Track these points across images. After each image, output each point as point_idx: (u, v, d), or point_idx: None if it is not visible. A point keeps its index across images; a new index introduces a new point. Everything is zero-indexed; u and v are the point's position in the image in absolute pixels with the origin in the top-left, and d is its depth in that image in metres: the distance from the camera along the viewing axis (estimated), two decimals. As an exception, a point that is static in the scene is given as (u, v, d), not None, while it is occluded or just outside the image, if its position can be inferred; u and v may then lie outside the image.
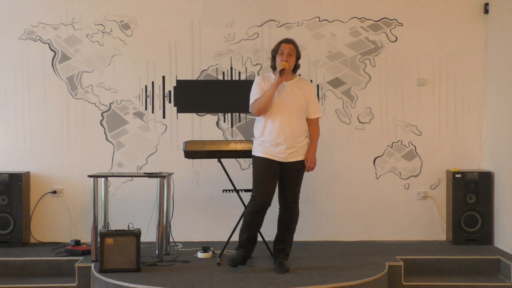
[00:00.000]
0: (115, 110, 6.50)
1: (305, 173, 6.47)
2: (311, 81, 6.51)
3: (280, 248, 5.29)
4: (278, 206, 5.30)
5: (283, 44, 5.26)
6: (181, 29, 6.51)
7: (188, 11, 6.51)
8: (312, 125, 5.32)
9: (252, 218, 5.19)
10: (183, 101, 6.52)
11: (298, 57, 5.30)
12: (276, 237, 5.34)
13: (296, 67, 5.31)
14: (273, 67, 5.32)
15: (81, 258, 5.64)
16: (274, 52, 5.30)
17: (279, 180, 5.24)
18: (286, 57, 5.19)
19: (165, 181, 5.71)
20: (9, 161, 6.45)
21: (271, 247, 5.52)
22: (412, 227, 6.58)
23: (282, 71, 5.13)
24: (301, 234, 6.51)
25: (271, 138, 5.15)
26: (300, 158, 5.23)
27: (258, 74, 6.42)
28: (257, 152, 5.24)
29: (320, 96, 6.54)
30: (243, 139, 6.43)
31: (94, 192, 5.61)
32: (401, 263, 5.52)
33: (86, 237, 6.10)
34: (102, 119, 6.51)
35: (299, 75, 5.48)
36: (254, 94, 5.25)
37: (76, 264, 5.44)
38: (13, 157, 6.45)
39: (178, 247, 6.12)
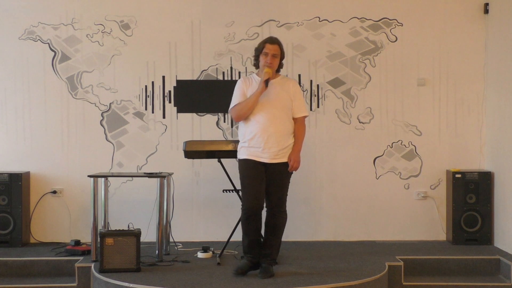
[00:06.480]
0: (115, 110, 6.50)
1: (305, 173, 6.52)
2: (311, 81, 6.53)
3: (267, 252, 5.04)
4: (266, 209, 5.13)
5: (268, 45, 4.98)
6: (181, 29, 6.51)
7: (188, 11, 6.51)
8: (297, 124, 5.07)
9: (247, 224, 5.00)
10: (183, 101, 6.52)
11: (282, 57, 5.05)
12: (263, 241, 5.11)
13: (279, 67, 5.08)
14: (256, 65, 5.11)
15: (81, 258, 5.64)
16: (258, 51, 5.02)
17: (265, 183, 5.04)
18: (271, 59, 4.95)
19: (165, 181, 5.71)
20: (9, 161, 6.45)
21: None
22: (412, 227, 6.58)
23: (267, 81, 4.91)
24: (301, 234, 6.53)
25: (254, 139, 4.95)
26: (285, 159, 4.98)
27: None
28: (241, 155, 5.05)
29: (320, 96, 6.53)
30: (243, 139, 6.43)
31: (94, 192, 5.61)
32: (401, 263, 5.51)
33: (86, 237, 6.09)
34: (102, 119, 6.51)
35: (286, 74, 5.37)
36: (235, 98, 5.05)
37: (76, 264, 5.44)
38: (13, 157, 6.45)
39: (178, 247, 6.12)
